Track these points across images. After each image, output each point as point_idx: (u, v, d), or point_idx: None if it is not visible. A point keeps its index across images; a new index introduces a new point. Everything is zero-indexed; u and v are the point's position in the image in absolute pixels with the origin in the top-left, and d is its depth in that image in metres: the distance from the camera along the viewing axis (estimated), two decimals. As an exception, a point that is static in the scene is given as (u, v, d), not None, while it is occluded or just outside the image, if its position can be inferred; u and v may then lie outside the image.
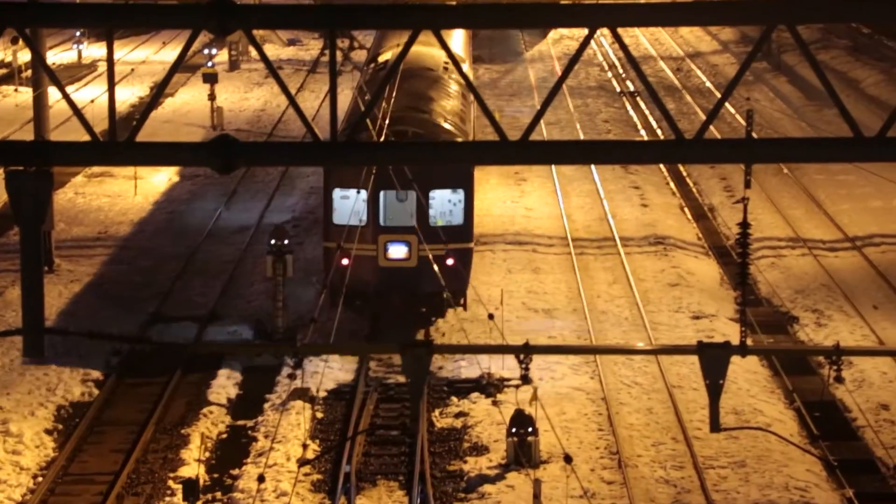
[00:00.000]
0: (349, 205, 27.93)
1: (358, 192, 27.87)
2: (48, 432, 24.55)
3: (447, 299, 28.33)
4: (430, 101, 31.60)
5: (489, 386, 26.16)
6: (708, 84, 55.69)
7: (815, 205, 38.55)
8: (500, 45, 64.91)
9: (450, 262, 28.14)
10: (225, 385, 26.65)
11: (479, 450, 23.76)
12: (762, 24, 13.23)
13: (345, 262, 27.20)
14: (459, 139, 29.84)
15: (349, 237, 27.46)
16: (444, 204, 28.90)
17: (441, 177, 28.60)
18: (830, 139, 13.41)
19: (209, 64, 49.49)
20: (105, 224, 37.18)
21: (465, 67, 38.26)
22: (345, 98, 46.48)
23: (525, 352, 16.58)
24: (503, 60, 61.99)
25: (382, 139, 26.69)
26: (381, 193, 28.43)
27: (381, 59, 36.17)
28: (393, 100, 28.54)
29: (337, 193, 28.46)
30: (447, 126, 30.48)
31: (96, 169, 41.24)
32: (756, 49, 13.48)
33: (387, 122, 27.92)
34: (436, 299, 28.35)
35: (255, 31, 13.81)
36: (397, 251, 28.55)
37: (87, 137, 13.36)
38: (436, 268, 26.62)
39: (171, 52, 61.78)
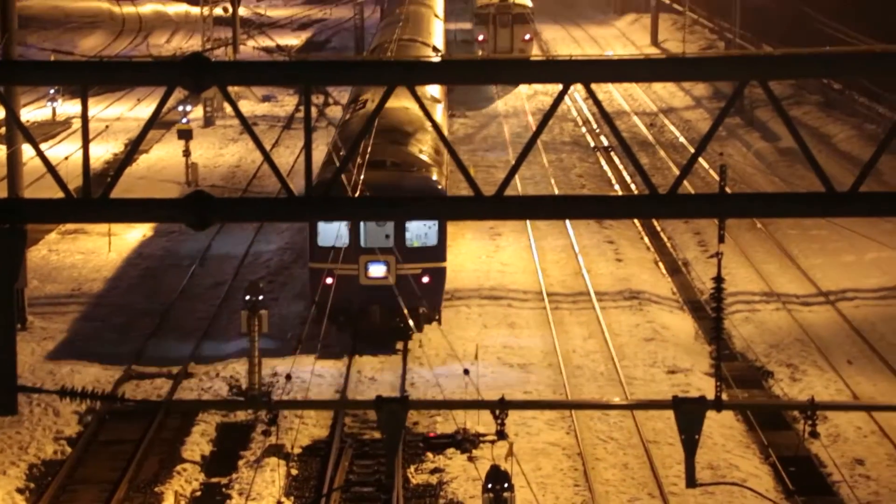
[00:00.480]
0: (333, 228, 30.09)
1: (331, 223, 29.74)
2: (20, 491, 24.34)
3: (423, 314, 30.94)
4: (406, 134, 33.55)
5: (465, 441, 26.10)
6: (681, 139, 55.97)
7: (789, 259, 38.69)
8: (473, 90, 64.86)
9: (425, 279, 30.68)
10: (199, 442, 26.48)
11: (455, 506, 23.63)
12: (734, 80, 13.34)
13: (329, 280, 29.85)
14: (434, 169, 32.51)
15: (333, 258, 29.71)
16: (419, 227, 31.22)
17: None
18: (803, 194, 13.49)
19: (184, 120, 49.52)
20: (79, 281, 37.03)
21: (440, 109, 38.86)
22: (319, 154, 46.49)
23: (501, 407, 16.55)
24: (476, 106, 62.23)
25: (362, 173, 28.92)
26: (360, 223, 30.64)
27: (363, 98, 37.23)
28: (372, 135, 30.12)
29: (322, 227, 30.62)
30: (423, 157, 32.64)
31: (70, 226, 41.12)
32: (729, 105, 13.57)
33: (366, 158, 29.89)
34: (413, 314, 30.41)
35: (229, 88, 13.84)
36: (377, 270, 30.82)
37: (61, 194, 13.34)
38: (413, 285, 29.37)
39: (145, 109, 61.80)
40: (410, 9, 57.64)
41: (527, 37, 72.02)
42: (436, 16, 58.53)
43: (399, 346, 31.44)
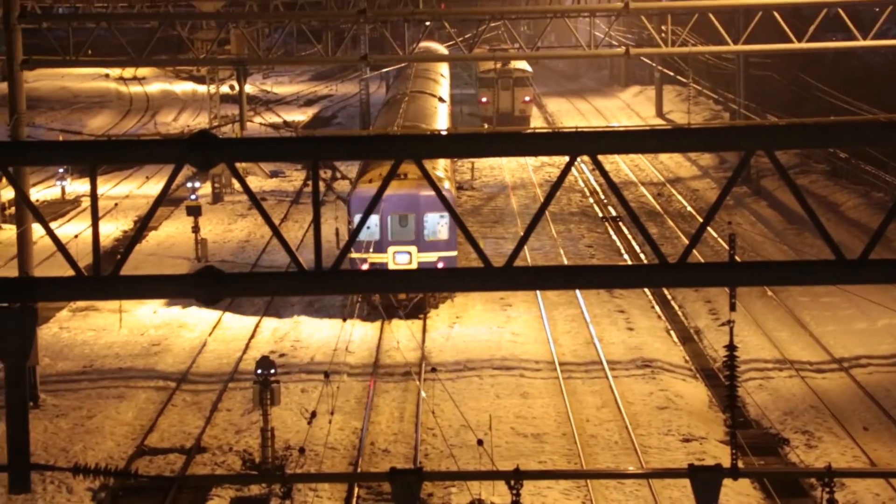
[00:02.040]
0: (369, 225, 37.86)
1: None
2: (32, 571, 24.20)
3: (443, 295, 39.82)
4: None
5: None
6: (689, 208, 56.06)
7: (801, 326, 38.61)
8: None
9: (440, 265, 37.73)
10: (211, 519, 26.34)
11: (470, 580, 23.45)
12: (741, 150, 13.39)
13: (364, 267, 37.58)
14: (445, 181, 41.10)
15: (368, 249, 37.86)
16: (434, 224, 39.12)
17: (431, 205, 38.65)
18: (814, 262, 13.50)
19: (192, 197, 49.73)
20: (90, 358, 37.04)
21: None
22: (328, 228, 46.72)
23: (515, 477, 16.46)
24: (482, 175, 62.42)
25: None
26: (389, 217, 38.82)
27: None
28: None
29: (357, 217, 38.04)
30: (436, 172, 40.49)
31: (81, 303, 41.18)
32: (736, 175, 13.62)
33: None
34: (430, 294, 38.94)
35: (237, 164, 13.91)
36: (402, 258, 38.77)
37: (71, 272, 13.38)
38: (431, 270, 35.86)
39: (154, 186, 62.09)
40: (413, 91, 57.80)
41: (527, 98, 76.39)
42: (440, 99, 58.86)
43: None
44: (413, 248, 38.66)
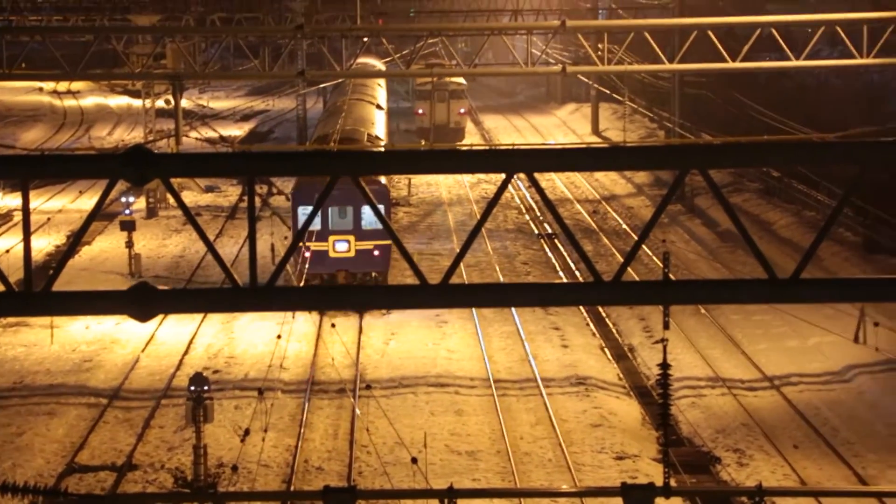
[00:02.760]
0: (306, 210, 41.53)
1: (310, 205, 40.45)
2: (-40, 590, 23.87)
3: (375, 278, 42.59)
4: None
5: (413, 532, 25.89)
6: (624, 226, 56.38)
7: (733, 344, 38.90)
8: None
9: (376, 253, 42.01)
10: (143, 537, 26.08)
11: None
12: (675, 169, 13.50)
13: (307, 254, 40.65)
14: (383, 177, 43.50)
15: (309, 238, 40.73)
16: (370, 215, 41.59)
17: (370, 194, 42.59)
18: (746, 281, 13.63)
19: (126, 212, 49.38)
20: (20, 374, 36.65)
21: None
22: (263, 243, 46.54)
23: (449, 496, 16.46)
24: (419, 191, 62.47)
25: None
26: (329, 209, 42.17)
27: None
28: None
29: (300, 209, 42.18)
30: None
31: (11, 318, 40.75)
32: (670, 193, 13.72)
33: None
34: (367, 278, 42.50)
35: (172, 179, 13.84)
36: (341, 246, 42.29)
37: (2, 288, 13.24)
38: (367, 256, 41.81)
39: (88, 201, 61.60)
40: (352, 99, 59.06)
41: (462, 110, 79.26)
42: (378, 106, 59.80)
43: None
44: (351, 238, 42.24)
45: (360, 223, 42.30)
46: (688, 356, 37.73)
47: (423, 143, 73.81)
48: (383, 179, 43.80)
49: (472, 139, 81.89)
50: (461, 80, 78.27)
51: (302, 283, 38.21)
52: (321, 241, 41.93)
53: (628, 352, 39.09)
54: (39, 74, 71.11)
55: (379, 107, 60.40)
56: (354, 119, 53.36)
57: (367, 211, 41.89)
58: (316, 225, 41.25)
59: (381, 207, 38.39)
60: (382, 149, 50.17)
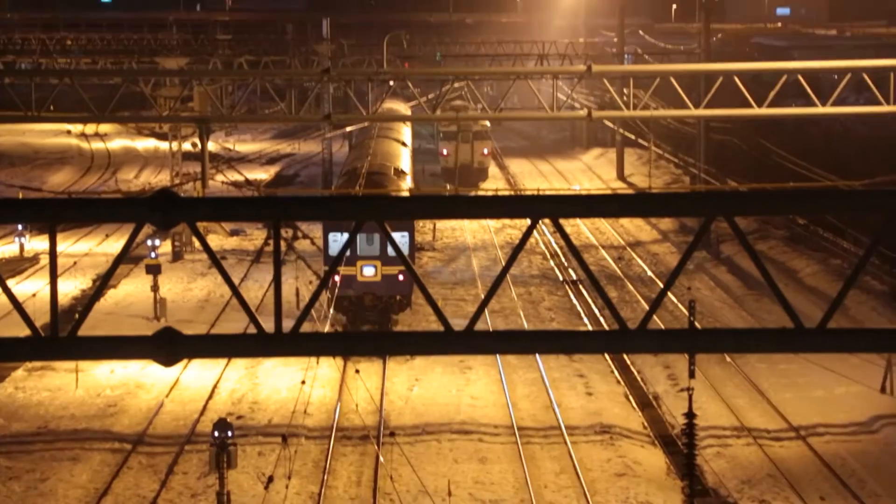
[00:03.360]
0: (339, 242, 44.62)
1: (341, 235, 44.55)
2: None
3: (399, 301, 45.26)
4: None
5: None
6: (649, 273, 56.22)
7: (759, 394, 38.65)
8: None
9: (401, 277, 44.23)
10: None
11: None
12: (701, 216, 13.43)
13: (336, 278, 42.98)
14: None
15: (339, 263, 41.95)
16: (396, 241, 40.67)
17: (394, 225, 47.03)
18: (773, 330, 13.52)
19: (152, 255, 49.48)
20: (45, 419, 36.64)
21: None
22: (289, 288, 46.55)
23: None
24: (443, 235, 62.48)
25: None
26: (357, 236, 43.07)
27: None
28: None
29: (331, 236, 45.36)
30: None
31: (37, 363, 40.79)
32: (696, 241, 13.65)
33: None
34: (392, 301, 45.05)
35: (198, 223, 13.84)
36: (369, 271, 44.77)
37: (28, 331, 13.24)
38: (393, 281, 44.29)
39: (114, 244, 61.78)
40: (379, 137, 61.65)
41: (485, 151, 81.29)
42: (403, 143, 61.46)
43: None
44: (378, 263, 44.73)
45: (386, 250, 44.80)
46: (713, 405, 37.51)
47: (448, 186, 74.40)
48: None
49: (497, 184, 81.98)
50: (485, 121, 78.79)
51: (332, 307, 42.63)
52: (350, 266, 44.67)
53: (653, 400, 38.87)
54: (68, 117, 71.56)
55: (404, 144, 62.61)
56: (381, 155, 55.94)
57: (394, 237, 43.50)
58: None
59: (406, 234, 44.54)
60: (408, 192, 52.58)
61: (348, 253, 43.40)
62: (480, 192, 72.89)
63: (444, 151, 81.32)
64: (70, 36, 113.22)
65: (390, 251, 44.45)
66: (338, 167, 76.46)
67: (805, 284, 51.10)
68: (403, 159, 57.75)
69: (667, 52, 77.55)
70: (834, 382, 38.30)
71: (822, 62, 57.94)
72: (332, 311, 43.81)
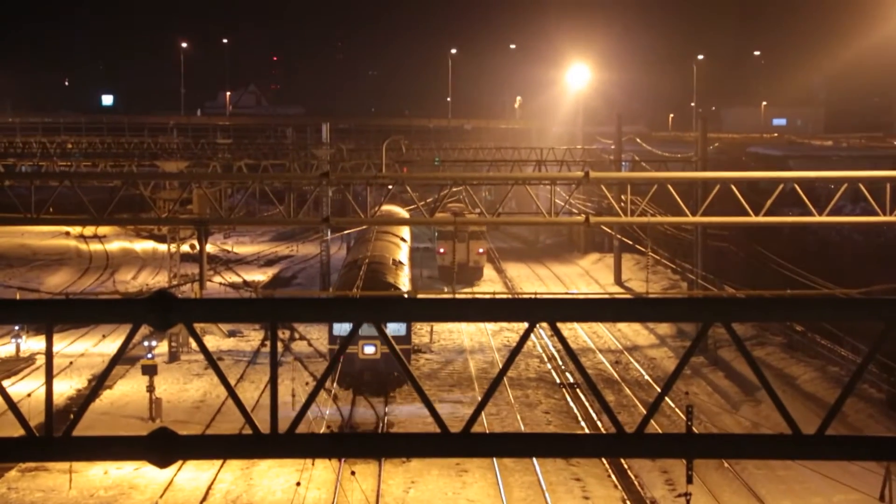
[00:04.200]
0: (343, 326, 47.05)
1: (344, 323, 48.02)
2: None
3: (398, 377, 49.77)
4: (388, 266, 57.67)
5: None
6: (647, 377, 56.11)
7: (757, 500, 38.40)
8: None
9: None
10: None
11: None
12: (698, 322, 13.46)
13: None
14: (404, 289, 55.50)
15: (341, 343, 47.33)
16: (395, 329, 50.41)
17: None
18: (771, 436, 13.48)
19: (149, 356, 49.39)
20: (37, 519, 36.35)
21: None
22: (285, 389, 46.43)
23: None
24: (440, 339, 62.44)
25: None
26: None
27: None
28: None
29: (335, 326, 49.88)
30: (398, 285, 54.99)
31: (31, 463, 40.54)
32: (693, 346, 13.67)
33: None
34: (391, 377, 49.77)
35: (195, 324, 13.86)
36: (369, 349, 49.70)
37: (22, 431, 13.20)
38: (391, 359, 46.41)
39: (110, 345, 61.68)
40: (379, 232, 67.04)
41: (480, 250, 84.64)
42: (402, 239, 67.45)
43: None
44: (377, 342, 49.30)
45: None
46: (711, 511, 37.22)
47: (445, 290, 75.20)
48: (405, 290, 55.46)
49: (494, 287, 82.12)
50: None
51: (335, 382, 47.58)
52: (352, 346, 48.67)
53: (650, 505, 38.60)
54: (67, 219, 71.81)
55: (403, 240, 67.95)
56: (381, 248, 62.45)
57: (391, 326, 49.82)
58: (347, 330, 48.78)
59: (403, 325, 50.47)
60: (408, 283, 58.90)
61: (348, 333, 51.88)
62: (477, 294, 73.01)
63: (441, 250, 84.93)
64: (71, 139, 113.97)
65: (390, 331, 48.32)
66: (336, 269, 76.63)
67: (803, 391, 50.98)
68: (402, 253, 63.06)
69: (664, 159, 78.05)
70: (832, 490, 38.06)
71: (819, 172, 58.36)
72: (335, 385, 48.90)
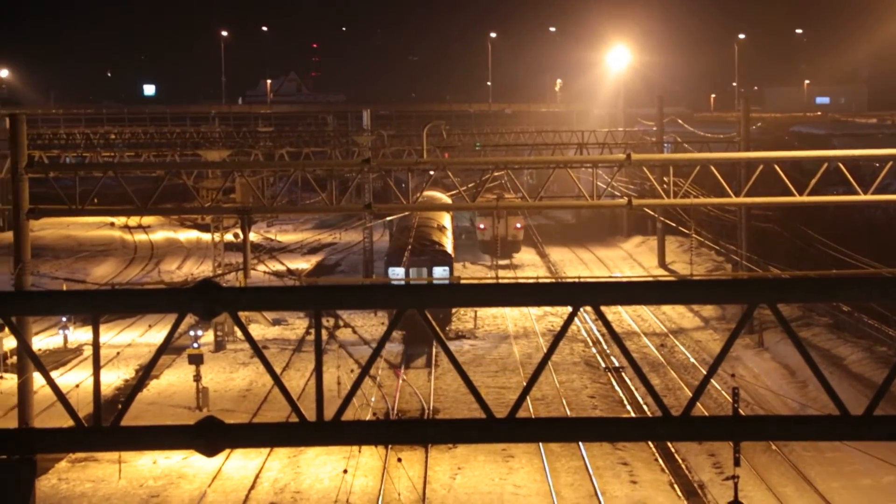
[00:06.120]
0: (398, 274, 61.87)
1: (398, 267, 61.80)
2: None
3: (444, 317, 60.02)
4: (433, 230, 69.12)
5: None
6: (692, 360, 55.91)
7: (806, 482, 38.21)
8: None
9: None
10: None
11: None
12: (744, 304, 13.39)
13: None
14: (448, 250, 66.15)
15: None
16: (439, 273, 62.19)
17: (438, 259, 63.13)
18: (818, 417, 13.41)
19: (195, 345, 49.61)
20: (87, 509, 36.61)
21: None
22: (330, 377, 46.58)
23: None
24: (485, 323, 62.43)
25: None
26: (410, 269, 62.23)
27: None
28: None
29: (391, 270, 62.08)
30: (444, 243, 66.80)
31: (80, 453, 40.83)
32: (739, 328, 13.60)
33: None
34: (441, 315, 58.76)
35: (240, 313, 13.90)
36: None
37: (71, 422, 13.29)
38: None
39: (156, 335, 62.02)
40: (422, 217, 72.76)
41: (518, 225, 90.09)
42: (443, 227, 72.88)
43: None
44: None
45: (432, 279, 60.86)
46: (759, 494, 37.08)
47: (487, 260, 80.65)
48: (449, 248, 66.09)
49: (538, 271, 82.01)
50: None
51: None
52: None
53: (698, 488, 38.46)
54: (111, 210, 72.17)
55: (444, 227, 72.91)
56: (426, 219, 71.75)
57: (437, 270, 62.54)
58: (401, 279, 61.72)
59: (447, 268, 62.14)
60: (452, 243, 68.61)
61: (404, 281, 61.09)
62: (521, 279, 73.00)
63: (482, 226, 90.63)
64: (114, 130, 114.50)
65: (434, 278, 61.70)
66: (378, 255, 76.70)
67: (850, 371, 50.66)
68: (447, 241, 69.52)
69: (706, 140, 77.60)
70: (882, 471, 37.82)
71: (863, 150, 57.83)
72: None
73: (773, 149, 67.68)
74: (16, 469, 12.83)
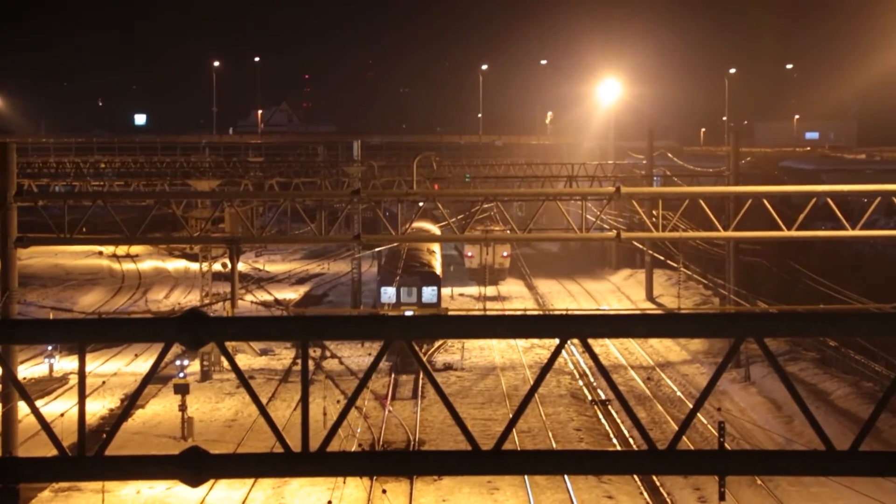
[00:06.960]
0: (389, 293, 64.79)
1: (391, 288, 64.39)
2: None
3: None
4: (422, 253, 73.07)
5: None
6: (679, 393, 55.90)
7: (791, 515, 38.16)
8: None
9: None
10: None
11: None
12: (731, 338, 13.39)
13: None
14: (437, 270, 69.87)
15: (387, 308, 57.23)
16: (428, 292, 64.92)
17: (427, 280, 65.73)
18: (803, 452, 13.39)
19: (180, 375, 49.53)
20: (71, 538, 36.43)
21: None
22: (316, 407, 46.47)
23: None
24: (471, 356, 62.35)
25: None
26: (400, 288, 64.84)
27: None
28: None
29: (382, 289, 65.23)
30: (432, 265, 70.33)
31: (64, 483, 40.65)
32: (725, 362, 13.59)
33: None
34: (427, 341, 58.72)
35: (227, 343, 13.87)
36: (409, 313, 53.89)
37: (55, 451, 13.24)
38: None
39: (143, 364, 61.88)
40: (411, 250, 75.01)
41: (504, 253, 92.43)
42: (432, 251, 75.89)
43: None
44: (415, 307, 61.80)
45: (421, 298, 63.51)
46: (745, 527, 37.01)
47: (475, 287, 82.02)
48: (437, 270, 68.69)
49: (525, 303, 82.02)
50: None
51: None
52: (396, 310, 62.01)
53: (684, 522, 38.40)
54: (100, 239, 72.09)
55: (432, 251, 76.82)
56: (416, 247, 73.58)
57: (426, 290, 65.06)
58: (392, 298, 64.75)
59: (435, 288, 65.00)
60: (439, 261, 71.81)
61: (394, 301, 64.73)
62: (508, 311, 73.03)
63: (469, 254, 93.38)
64: (104, 159, 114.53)
65: (424, 299, 64.51)
66: (367, 286, 76.68)
67: (836, 407, 50.68)
68: (437, 260, 72.95)
69: (695, 174, 77.79)
70: (867, 506, 37.78)
71: (852, 185, 57.98)
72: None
73: (763, 183, 67.81)
74: (-2, 498, 12.78)
